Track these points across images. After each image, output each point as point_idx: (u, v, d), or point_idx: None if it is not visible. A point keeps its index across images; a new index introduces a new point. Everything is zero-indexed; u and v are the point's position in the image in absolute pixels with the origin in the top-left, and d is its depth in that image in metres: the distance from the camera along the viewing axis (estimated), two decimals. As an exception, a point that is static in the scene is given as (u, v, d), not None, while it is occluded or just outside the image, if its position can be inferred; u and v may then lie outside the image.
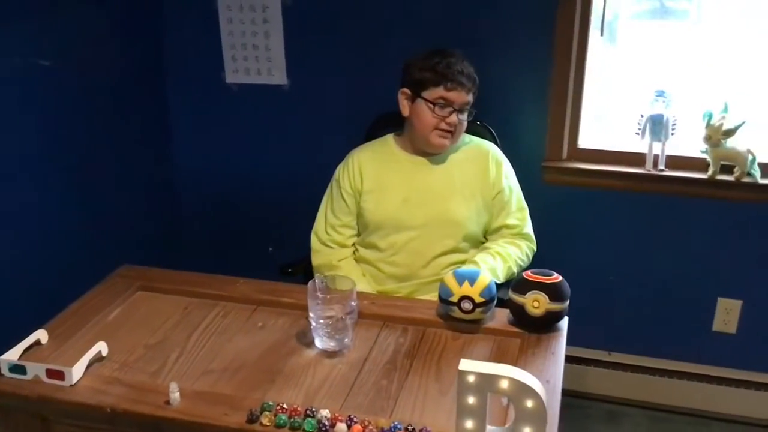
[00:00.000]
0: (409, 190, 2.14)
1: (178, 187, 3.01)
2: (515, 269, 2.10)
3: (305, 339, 1.70)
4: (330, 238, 2.20)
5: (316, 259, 2.21)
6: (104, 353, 1.61)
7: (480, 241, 2.20)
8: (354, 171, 2.18)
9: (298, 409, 1.39)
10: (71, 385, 1.49)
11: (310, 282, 1.66)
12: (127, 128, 2.68)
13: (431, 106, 2.06)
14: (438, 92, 2.05)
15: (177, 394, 1.43)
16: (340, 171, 2.22)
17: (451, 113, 2.06)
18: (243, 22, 2.69)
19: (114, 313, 1.82)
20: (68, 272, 2.26)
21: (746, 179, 2.40)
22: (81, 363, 1.52)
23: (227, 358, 1.63)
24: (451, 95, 2.05)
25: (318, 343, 1.66)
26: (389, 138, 2.24)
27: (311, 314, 1.63)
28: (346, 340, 1.65)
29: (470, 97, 2.09)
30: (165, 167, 2.95)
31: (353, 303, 1.65)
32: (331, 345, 1.64)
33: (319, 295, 1.63)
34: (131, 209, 2.73)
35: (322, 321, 1.62)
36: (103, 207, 2.58)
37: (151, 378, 1.56)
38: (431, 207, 2.12)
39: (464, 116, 2.10)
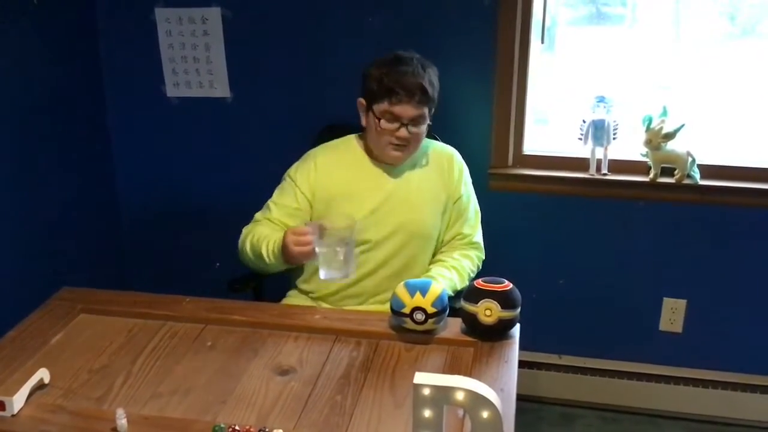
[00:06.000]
0: (378, 199, 2.06)
1: (120, 205, 2.93)
2: (467, 282, 2.08)
3: (257, 357, 1.67)
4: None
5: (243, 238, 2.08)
6: (46, 380, 1.55)
7: (435, 247, 2.16)
8: (319, 174, 2.06)
9: (252, 429, 1.37)
10: (12, 416, 1.44)
11: (311, 223, 1.88)
12: (66, 146, 2.61)
13: (377, 120, 1.99)
14: (383, 106, 1.98)
15: (124, 421, 1.39)
16: (297, 170, 2.10)
17: (399, 128, 1.98)
18: (182, 34, 2.64)
19: (55, 337, 1.75)
20: (5, 297, 2.19)
21: (687, 181, 2.45)
22: (22, 392, 1.47)
23: (176, 381, 1.59)
24: (397, 109, 1.97)
25: (323, 274, 1.79)
26: (352, 140, 2.14)
27: (318, 249, 1.78)
28: (351, 268, 1.80)
29: (422, 110, 1.99)
30: (106, 184, 2.88)
31: (355, 232, 1.79)
32: (337, 274, 1.79)
33: (326, 224, 1.78)
34: (70, 229, 2.65)
35: (330, 249, 1.76)
36: (41, 228, 2.50)
37: (96, 404, 1.51)
38: (401, 217, 2.06)
39: (418, 128, 2.01)
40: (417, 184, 2.10)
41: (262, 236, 2.00)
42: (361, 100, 2.06)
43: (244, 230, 2.10)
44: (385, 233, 2.06)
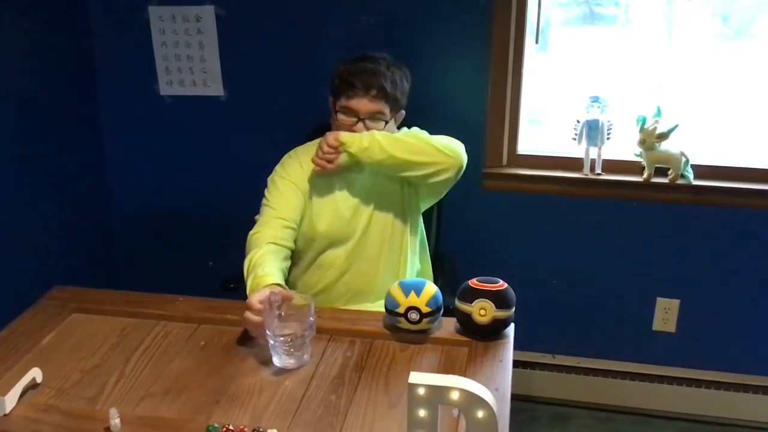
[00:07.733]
0: (350, 198, 2.05)
1: (113, 203, 2.93)
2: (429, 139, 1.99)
3: (250, 357, 1.66)
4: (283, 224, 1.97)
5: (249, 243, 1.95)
6: (39, 380, 1.54)
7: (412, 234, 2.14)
8: (304, 172, 2.03)
9: (245, 429, 1.36)
10: (4, 415, 1.43)
11: (275, 293, 1.61)
12: (58, 144, 2.60)
13: (335, 115, 1.99)
14: (342, 102, 1.97)
15: (117, 420, 1.38)
16: (284, 168, 2.07)
17: (356, 122, 1.96)
18: (176, 32, 2.63)
19: (47, 337, 1.74)
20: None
21: (680, 181, 2.45)
22: (14, 391, 1.46)
23: (169, 380, 1.58)
24: (352, 103, 1.95)
25: (276, 361, 1.62)
26: None
27: (269, 333, 1.59)
28: (305, 356, 1.63)
29: (379, 105, 1.96)
30: (98, 182, 2.86)
31: (311, 319, 1.62)
32: (290, 362, 1.61)
33: (277, 312, 1.59)
34: (63, 228, 2.64)
35: (281, 339, 1.59)
36: (34, 226, 2.49)
37: (89, 404, 1.50)
38: (371, 212, 2.05)
39: (376, 124, 1.97)
40: (376, 180, 2.06)
41: (259, 263, 1.83)
42: (330, 97, 2.05)
43: (251, 238, 1.95)
44: (360, 231, 2.05)
